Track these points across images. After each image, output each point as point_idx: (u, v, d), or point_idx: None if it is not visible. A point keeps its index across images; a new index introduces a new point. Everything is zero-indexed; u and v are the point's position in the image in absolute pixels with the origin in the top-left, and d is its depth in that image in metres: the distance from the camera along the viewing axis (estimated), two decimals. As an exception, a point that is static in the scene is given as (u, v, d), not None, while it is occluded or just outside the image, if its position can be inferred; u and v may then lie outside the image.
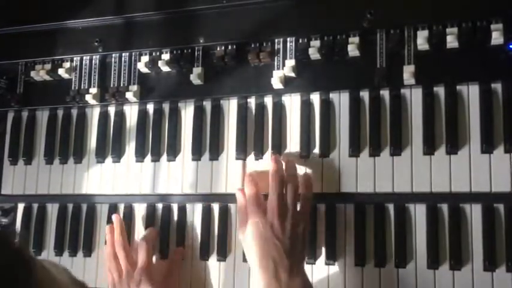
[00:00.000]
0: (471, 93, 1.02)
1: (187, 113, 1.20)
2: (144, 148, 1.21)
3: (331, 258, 1.05)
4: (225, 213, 1.14)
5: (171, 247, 1.17)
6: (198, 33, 1.17)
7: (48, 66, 1.28)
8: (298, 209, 1.03)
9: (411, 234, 1.02)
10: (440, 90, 1.04)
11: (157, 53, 1.21)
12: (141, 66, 1.21)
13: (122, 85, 1.23)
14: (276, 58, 1.13)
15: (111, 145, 1.23)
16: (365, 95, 1.08)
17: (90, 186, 1.23)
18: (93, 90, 1.24)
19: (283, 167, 1.07)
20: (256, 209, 1.03)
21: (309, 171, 1.08)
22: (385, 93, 1.07)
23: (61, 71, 1.26)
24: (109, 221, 1.21)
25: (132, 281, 1.10)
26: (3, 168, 1.31)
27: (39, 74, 1.28)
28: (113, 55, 1.25)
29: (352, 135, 1.07)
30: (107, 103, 1.25)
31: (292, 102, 1.13)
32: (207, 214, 1.15)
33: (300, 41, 1.11)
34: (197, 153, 1.16)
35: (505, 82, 1.00)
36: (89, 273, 1.22)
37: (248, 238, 1.02)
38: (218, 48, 1.16)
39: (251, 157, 1.13)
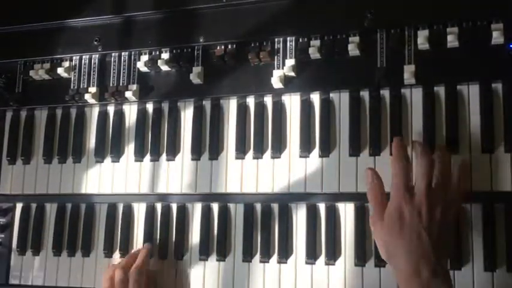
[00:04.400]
0: (471, 93, 1.02)
1: (187, 112, 1.19)
2: (144, 148, 1.20)
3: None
4: (224, 213, 1.14)
5: (170, 247, 1.17)
6: (198, 32, 1.17)
7: (47, 66, 1.28)
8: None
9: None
10: (440, 90, 1.04)
11: (157, 52, 1.21)
12: (141, 66, 1.21)
13: (121, 84, 1.23)
14: (276, 57, 1.13)
15: (110, 144, 1.23)
16: (365, 94, 1.08)
17: (89, 185, 1.23)
18: (93, 89, 1.24)
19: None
20: (403, 192, 0.91)
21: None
22: (386, 93, 1.07)
23: (60, 70, 1.26)
24: (108, 221, 1.21)
25: None
26: (1, 168, 1.31)
27: (38, 73, 1.27)
28: (113, 54, 1.24)
29: (352, 135, 1.07)
30: (106, 102, 1.24)
31: (292, 102, 1.13)
32: (206, 214, 1.15)
33: (300, 40, 1.11)
34: (197, 153, 1.16)
35: (506, 82, 1.00)
36: (88, 273, 1.22)
37: (387, 225, 0.91)
38: (218, 48, 1.15)
39: (250, 157, 1.13)
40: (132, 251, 1.18)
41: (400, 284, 0.90)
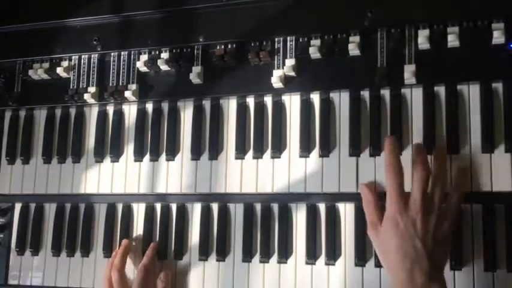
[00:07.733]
0: (472, 92, 1.02)
1: (187, 112, 1.19)
2: (143, 147, 1.20)
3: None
4: (224, 213, 1.14)
5: (169, 247, 1.17)
6: (198, 32, 1.17)
7: (46, 65, 1.28)
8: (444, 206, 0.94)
9: (412, 234, 1.02)
10: (441, 90, 1.04)
11: (157, 52, 1.20)
12: (140, 65, 1.21)
13: (120, 84, 1.22)
14: (276, 57, 1.12)
15: (109, 144, 1.23)
16: (365, 94, 1.08)
17: (89, 185, 1.22)
18: (92, 89, 1.24)
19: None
20: (397, 202, 0.92)
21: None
22: (386, 93, 1.07)
23: (59, 70, 1.26)
24: (107, 221, 1.21)
25: None
26: (0, 168, 1.30)
27: (37, 72, 1.27)
28: (112, 54, 1.24)
29: (352, 135, 1.06)
30: (105, 102, 1.24)
31: (292, 102, 1.12)
32: (206, 214, 1.15)
33: (300, 40, 1.11)
34: (196, 153, 1.16)
35: (506, 82, 1.00)
36: (87, 273, 1.21)
37: (383, 235, 0.93)
38: (218, 47, 1.15)
39: (250, 157, 1.13)
40: (119, 249, 1.18)
41: None
